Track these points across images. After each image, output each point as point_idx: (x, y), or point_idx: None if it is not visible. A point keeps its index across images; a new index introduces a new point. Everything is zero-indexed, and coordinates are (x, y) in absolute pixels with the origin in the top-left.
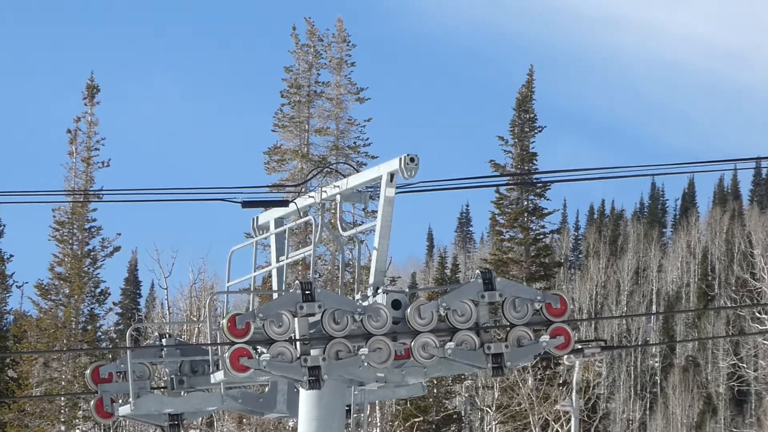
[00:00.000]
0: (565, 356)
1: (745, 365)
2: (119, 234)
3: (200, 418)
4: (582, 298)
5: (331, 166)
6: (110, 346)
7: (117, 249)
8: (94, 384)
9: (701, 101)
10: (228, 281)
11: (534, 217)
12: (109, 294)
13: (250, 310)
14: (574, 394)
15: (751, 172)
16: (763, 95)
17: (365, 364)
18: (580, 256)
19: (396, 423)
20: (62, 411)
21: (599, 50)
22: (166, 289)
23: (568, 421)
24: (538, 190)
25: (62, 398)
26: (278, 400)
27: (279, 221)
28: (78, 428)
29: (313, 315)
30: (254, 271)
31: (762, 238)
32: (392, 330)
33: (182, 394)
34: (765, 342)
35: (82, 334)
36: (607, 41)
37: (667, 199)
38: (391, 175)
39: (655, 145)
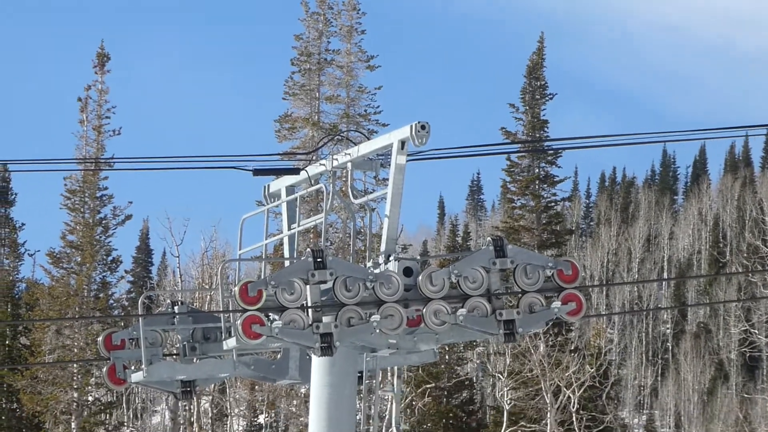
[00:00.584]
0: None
1: (756, 331)
2: (131, 202)
3: (212, 385)
4: (593, 265)
5: (342, 134)
6: (122, 314)
7: (128, 217)
8: (106, 351)
9: (710, 68)
10: (240, 249)
11: (545, 185)
12: (121, 262)
13: (262, 277)
14: (395, 378)
15: (762, 138)
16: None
17: (377, 330)
18: (592, 223)
19: (408, 389)
20: (75, 378)
21: (606, 17)
22: (178, 257)
23: (581, 386)
24: (549, 158)
25: (75, 365)
26: (290, 366)
27: (290, 189)
28: (90, 395)
29: (324, 282)
30: (266, 239)
31: None
32: (404, 297)
33: (194, 361)
34: None
35: (94, 301)
36: (613, 7)
37: (678, 167)
38: (402, 143)
39: (664, 113)
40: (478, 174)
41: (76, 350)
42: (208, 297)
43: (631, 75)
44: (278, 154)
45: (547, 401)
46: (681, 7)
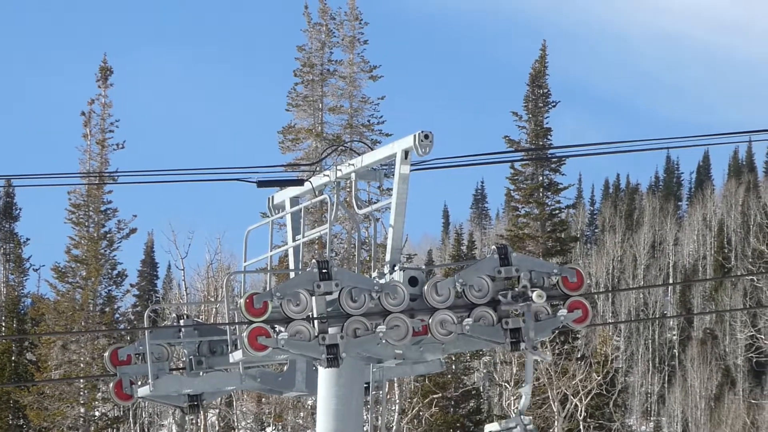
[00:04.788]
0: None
1: (763, 336)
2: (135, 216)
3: (219, 398)
4: (599, 272)
5: (345, 145)
6: (128, 328)
7: (133, 231)
8: (113, 366)
9: (709, 75)
10: (245, 261)
11: (549, 193)
12: (126, 276)
13: (268, 289)
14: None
15: (765, 143)
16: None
17: (383, 341)
18: (596, 230)
19: (415, 399)
20: (81, 393)
21: (597, 24)
22: (183, 270)
23: (588, 394)
24: (553, 165)
25: (81, 380)
26: (297, 378)
27: (294, 200)
28: (97, 410)
29: (330, 293)
30: (270, 251)
31: None
32: (410, 307)
33: (201, 374)
34: None
35: (100, 316)
36: (602, 14)
37: (682, 173)
38: (406, 153)
39: (662, 121)
40: (482, 182)
41: (82, 365)
42: (214, 310)
43: (629, 84)
44: (282, 166)
45: (555, 409)
46: (675, 15)
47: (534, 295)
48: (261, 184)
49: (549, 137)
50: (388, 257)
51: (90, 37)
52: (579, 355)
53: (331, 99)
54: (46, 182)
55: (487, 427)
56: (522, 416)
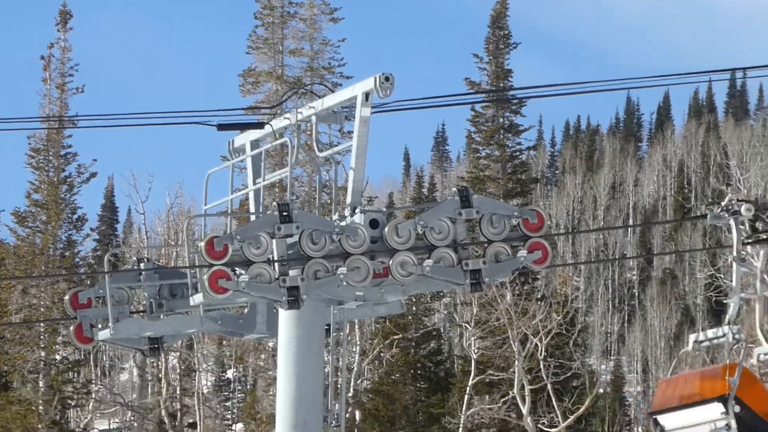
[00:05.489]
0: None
1: (722, 275)
2: (95, 160)
3: (180, 341)
4: (559, 214)
5: (306, 87)
6: (88, 272)
7: (93, 175)
8: (73, 310)
9: (668, 17)
10: (205, 204)
11: (510, 134)
12: (87, 220)
13: (228, 232)
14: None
15: (725, 84)
16: (732, 5)
17: (344, 283)
18: (557, 172)
19: (375, 341)
20: (42, 337)
21: None
22: (143, 214)
23: (548, 334)
24: (513, 107)
25: (41, 324)
26: (258, 321)
27: (255, 143)
28: (58, 353)
29: (290, 236)
30: (231, 194)
31: (737, 149)
32: (370, 249)
33: (161, 317)
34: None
35: (60, 260)
36: None
37: (642, 114)
38: (367, 95)
39: (620, 63)
40: (443, 125)
41: (42, 309)
42: (174, 253)
43: (589, 26)
44: (242, 109)
45: (515, 349)
46: None
47: (743, 209)
48: (221, 127)
49: (510, 79)
50: (348, 200)
51: None
52: (539, 296)
53: (291, 41)
54: (6, 127)
55: (694, 336)
56: (731, 325)
